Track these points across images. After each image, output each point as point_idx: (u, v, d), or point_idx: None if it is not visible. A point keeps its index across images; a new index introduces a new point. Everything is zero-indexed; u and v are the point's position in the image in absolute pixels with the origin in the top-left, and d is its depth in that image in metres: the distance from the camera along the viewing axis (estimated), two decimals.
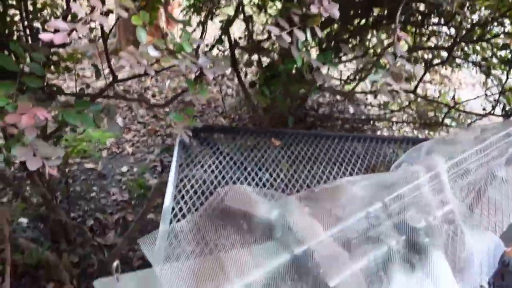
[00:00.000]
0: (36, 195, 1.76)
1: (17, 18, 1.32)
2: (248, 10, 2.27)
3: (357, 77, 2.46)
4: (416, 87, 2.26)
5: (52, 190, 1.74)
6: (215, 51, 2.08)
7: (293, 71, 1.50)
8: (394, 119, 2.78)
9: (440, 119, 2.36)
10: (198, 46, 1.21)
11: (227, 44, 1.81)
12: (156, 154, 2.63)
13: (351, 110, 2.94)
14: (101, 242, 2.00)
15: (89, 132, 2.61)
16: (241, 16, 1.85)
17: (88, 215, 2.18)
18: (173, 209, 0.98)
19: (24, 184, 1.59)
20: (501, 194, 1.14)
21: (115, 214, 2.19)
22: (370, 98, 3.13)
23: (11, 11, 1.31)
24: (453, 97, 2.45)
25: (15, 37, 1.32)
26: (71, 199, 2.21)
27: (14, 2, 1.30)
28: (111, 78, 1.24)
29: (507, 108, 1.92)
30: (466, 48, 2.27)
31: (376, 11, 2.03)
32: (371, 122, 2.77)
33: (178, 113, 1.06)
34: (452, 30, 2.20)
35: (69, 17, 1.19)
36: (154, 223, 2.16)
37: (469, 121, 2.33)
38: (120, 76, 1.69)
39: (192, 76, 1.07)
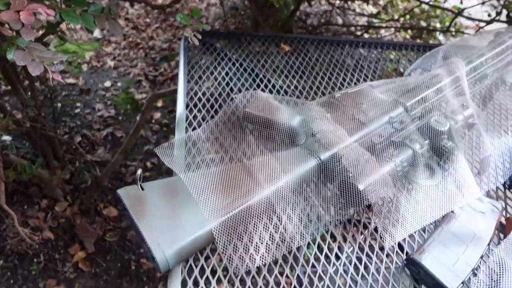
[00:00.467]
0: (18, 110, 1.66)
1: None
2: None
3: None
4: None
5: (37, 103, 1.65)
6: None
7: None
8: (395, 25, 2.67)
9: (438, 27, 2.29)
10: None
11: None
12: (139, 68, 2.51)
13: (340, 20, 2.84)
14: (90, 158, 1.95)
15: (66, 45, 2.45)
16: None
17: (75, 132, 2.11)
18: (187, 117, 0.93)
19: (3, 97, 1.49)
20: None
21: (102, 130, 2.13)
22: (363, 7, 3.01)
23: None
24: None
25: None
26: (55, 116, 2.11)
27: None
28: None
29: None
30: None
31: None
32: (367, 30, 2.67)
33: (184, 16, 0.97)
34: None
35: None
36: (143, 139, 2.12)
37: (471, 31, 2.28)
38: None
39: None
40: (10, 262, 1.62)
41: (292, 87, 1.04)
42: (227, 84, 1.02)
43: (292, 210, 0.78)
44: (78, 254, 1.67)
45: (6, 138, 2.00)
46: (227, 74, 1.04)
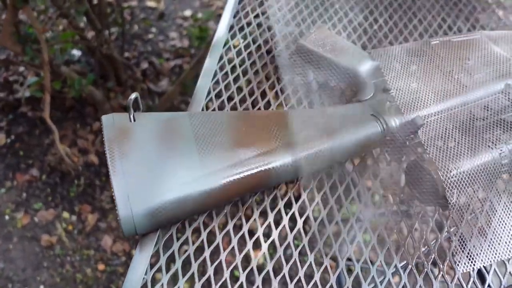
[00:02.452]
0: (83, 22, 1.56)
1: None
2: None
3: None
4: None
5: (102, 19, 1.53)
6: None
7: None
8: None
9: None
10: None
11: None
12: (223, 1, 2.31)
13: None
14: (152, 88, 1.83)
15: None
16: None
17: (144, 57, 2.00)
18: (226, 43, 0.72)
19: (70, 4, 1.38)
20: None
21: (171, 61, 1.99)
22: None
23: None
24: None
25: None
26: (127, 38, 2.01)
27: None
28: None
29: None
30: None
31: None
32: None
33: None
34: None
35: None
36: None
37: None
38: None
39: None
40: (52, 178, 1.58)
41: (376, 26, 0.78)
42: (290, 10, 0.78)
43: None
44: None
45: (75, 52, 1.95)
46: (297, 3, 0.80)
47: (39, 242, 1.47)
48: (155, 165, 0.50)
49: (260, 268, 0.48)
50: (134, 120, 0.53)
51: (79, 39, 1.64)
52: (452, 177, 0.50)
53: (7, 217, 1.52)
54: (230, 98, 0.64)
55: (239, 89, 0.65)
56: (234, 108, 0.63)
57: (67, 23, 1.57)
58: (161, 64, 1.97)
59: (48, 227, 1.50)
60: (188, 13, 2.25)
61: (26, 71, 1.83)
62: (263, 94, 0.65)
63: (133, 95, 0.53)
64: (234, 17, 0.76)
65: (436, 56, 0.64)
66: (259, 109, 0.63)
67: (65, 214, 1.51)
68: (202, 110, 0.62)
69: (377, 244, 0.51)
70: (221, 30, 0.73)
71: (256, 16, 0.77)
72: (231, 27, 0.74)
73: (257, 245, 0.50)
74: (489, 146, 0.53)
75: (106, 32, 1.59)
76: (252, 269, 0.48)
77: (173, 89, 1.59)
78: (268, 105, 0.64)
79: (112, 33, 1.99)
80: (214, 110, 0.62)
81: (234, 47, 0.71)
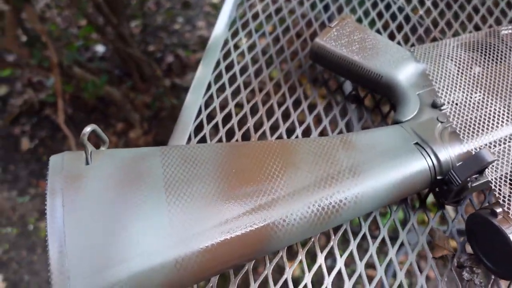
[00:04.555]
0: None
1: None
2: None
3: None
4: None
5: (118, 13, 1.41)
6: None
7: None
8: None
9: None
10: None
11: None
12: None
13: None
14: (178, 83, 1.71)
15: None
16: None
17: (170, 50, 1.87)
18: (225, 43, 0.56)
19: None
20: None
21: (198, 52, 1.85)
22: None
23: None
24: None
25: None
26: (151, 30, 1.89)
27: None
28: None
29: None
30: None
31: None
32: None
33: None
34: None
35: None
36: None
37: None
38: None
39: None
40: None
41: (422, 11, 0.60)
42: None
43: None
44: None
45: (100, 48, 1.86)
46: None
47: None
48: (110, 227, 0.36)
49: None
50: (91, 162, 0.40)
51: (98, 36, 1.54)
52: None
53: (31, 227, 1.47)
54: (227, 117, 0.49)
55: (239, 106, 0.50)
56: (231, 132, 0.48)
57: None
58: (188, 56, 1.84)
59: None
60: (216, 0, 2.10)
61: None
62: (270, 112, 0.49)
63: (88, 128, 0.39)
64: (237, 9, 0.61)
65: (508, 52, 0.45)
66: (263, 134, 0.48)
67: None
68: (189, 136, 0.48)
69: None
70: (220, 27, 0.58)
71: (266, 7, 0.61)
72: (233, 23, 0.59)
73: None
74: None
75: (125, 26, 1.47)
76: None
77: None
78: (274, 129, 0.48)
79: (136, 25, 1.88)
80: (203, 137, 0.47)
81: (235, 49, 0.56)
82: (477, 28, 0.57)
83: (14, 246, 1.43)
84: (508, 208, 0.35)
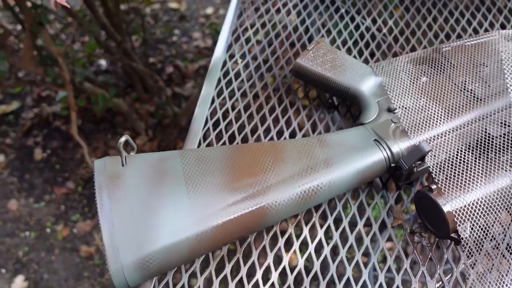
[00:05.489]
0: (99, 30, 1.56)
1: None
2: None
3: None
4: None
5: (121, 30, 1.53)
6: None
7: None
8: None
9: None
10: None
11: None
12: None
13: None
14: (179, 91, 1.83)
15: None
16: None
17: (169, 61, 2.00)
18: (224, 64, 0.69)
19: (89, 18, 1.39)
20: None
21: (195, 62, 1.98)
22: None
23: None
24: None
25: None
26: (151, 43, 2.02)
27: None
28: None
29: None
30: None
31: None
32: None
33: None
34: None
35: None
36: None
37: None
38: None
39: None
40: (87, 189, 1.63)
41: (385, 30, 0.72)
42: (299, 14, 0.74)
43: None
44: None
45: (102, 62, 1.98)
46: (295, 6, 0.76)
47: (78, 253, 1.53)
48: (145, 212, 0.48)
49: None
50: (126, 164, 0.52)
51: (102, 52, 1.66)
52: (463, 209, 0.45)
53: (48, 230, 1.58)
54: (228, 125, 0.62)
55: (238, 115, 0.63)
56: (232, 137, 0.60)
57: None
58: (186, 66, 1.96)
59: (86, 238, 1.55)
60: (209, 10, 2.22)
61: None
62: (263, 119, 0.62)
63: (123, 138, 0.51)
64: (232, 35, 0.73)
65: (447, 65, 0.58)
66: (258, 136, 0.60)
67: None
68: (199, 141, 0.60)
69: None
70: (219, 50, 0.70)
71: (256, 32, 0.73)
72: (229, 46, 0.71)
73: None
74: (506, 170, 0.48)
75: (128, 42, 1.60)
76: None
77: (197, 93, 1.58)
78: (267, 132, 0.61)
79: (136, 39, 2.00)
80: (211, 140, 0.60)
81: (232, 69, 0.68)
82: (430, 43, 0.70)
83: (33, 248, 1.54)
84: (441, 185, 0.47)
